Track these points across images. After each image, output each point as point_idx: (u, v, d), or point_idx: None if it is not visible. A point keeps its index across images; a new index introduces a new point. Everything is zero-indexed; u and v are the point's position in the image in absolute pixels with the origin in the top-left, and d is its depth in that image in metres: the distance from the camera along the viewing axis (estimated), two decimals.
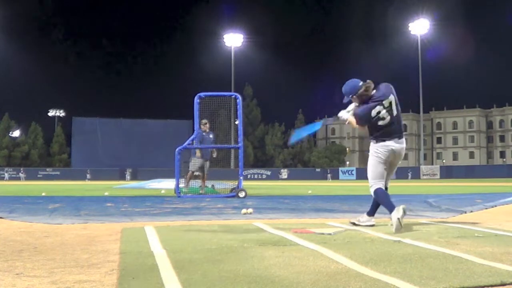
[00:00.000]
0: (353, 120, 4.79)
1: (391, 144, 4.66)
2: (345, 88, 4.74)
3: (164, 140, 56.53)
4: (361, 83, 4.69)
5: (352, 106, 4.89)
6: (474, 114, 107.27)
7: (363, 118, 4.68)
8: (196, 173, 12.23)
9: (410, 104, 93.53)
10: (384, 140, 4.67)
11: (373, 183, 4.72)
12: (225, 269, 2.74)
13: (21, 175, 55.18)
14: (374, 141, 4.74)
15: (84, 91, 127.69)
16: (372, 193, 4.75)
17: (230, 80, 64.26)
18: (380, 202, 4.66)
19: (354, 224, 4.88)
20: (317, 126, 5.55)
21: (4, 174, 55.85)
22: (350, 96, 4.71)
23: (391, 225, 4.30)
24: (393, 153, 4.69)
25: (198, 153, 11.97)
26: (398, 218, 4.24)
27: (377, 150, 4.72)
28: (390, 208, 4.42)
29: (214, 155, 12.27)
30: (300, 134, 6.17)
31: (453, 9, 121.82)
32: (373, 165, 4.75)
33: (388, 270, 2.71)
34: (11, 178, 53.73)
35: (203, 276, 2.57)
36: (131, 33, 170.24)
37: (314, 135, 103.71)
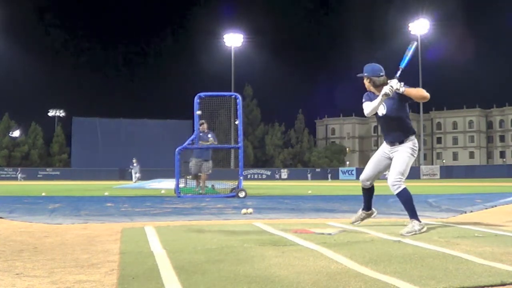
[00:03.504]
0: (415, 90, 4.42)
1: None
2: (367, 66, 4.64)
3: (164, 140, 56.47)
4: (382, 73, 4.59)
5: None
6: (474, 114, 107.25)
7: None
8: (199, 174, 12.25)
9: (410, 104, 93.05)
10: (415, 137, 4.60)
11: (401, 179, 4.41)
12: (225, 269, 2.74)
13: (19, 175, 54.93)
14: (413, 136, 4.55)
15: (84, 91, 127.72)
16: (397, 190, 4.41)
17: (230, 80, 64.23)
18: (406, 203, 4.42)
19: (359, 221, 4.94)
20: (409, 49, 4.90)
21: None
22: (366, 75, 4.58)
23: (408, 229, 4.23)
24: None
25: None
26: (420, 231, 4.22)
27: (415, 147, 4.53)
28: (415, 216, 4.33)
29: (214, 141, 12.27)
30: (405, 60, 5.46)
31: (453, 9, 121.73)
32: (408, 162, 4.47)
33: (388, 270, 2.71)
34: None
35: (203, 276, 2.57)
36: (131, 33, 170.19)
37: (314, 135, 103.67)
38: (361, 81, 4.69)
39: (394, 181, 4.42)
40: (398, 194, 4.43)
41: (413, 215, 4.36)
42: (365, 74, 4.61)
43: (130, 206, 8.01)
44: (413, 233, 4.20)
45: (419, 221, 4.34)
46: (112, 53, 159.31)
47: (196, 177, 12.22)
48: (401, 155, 4.49)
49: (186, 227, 4.93)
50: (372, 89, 4.60)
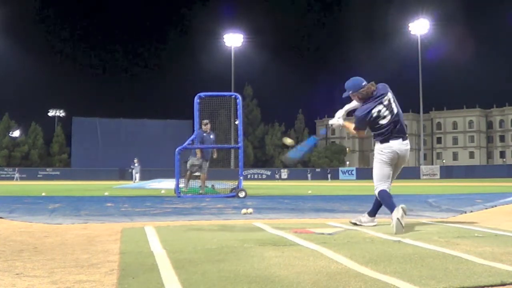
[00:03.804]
0: (350, 125, 4.85)
1: (395, 144, 4.62)
2: (347, 83, 4.78)
3: (164, 140, 56.53)
4: (364, 83, 4.70)
5: (340, 114, 4.99)
6: (474, 114, 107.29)
7: (362, 121, 4.68)
8: (197, 173, 12.20)
9: (410, 104, 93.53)
10: (388, 141, 4.63)
11: (377, 185, 4.68)
12: (225, 269, 2.74)
13: (16, 175, 54.78)
14: (379, 142, 4.67)
15: (84, 91, 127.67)
16: (376, 194, 4.71)
17: (230, 80, 64.29)
18: (383, 203, 4.63)
19: (355, 224, 4.88)
20: (311, 141, 5.60)
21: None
22: (350, 92, 4.75)
23: (392, 226, 4.26)
24: (397, 155, 4.64)
25: (198, 153, 11.91)
26: (398, 218, 4.19)
27: (381, 152, 4.66)
28: (391, 208, 4.39)
29: (215, 155, 12.21)
30: (297, 152, 5.71)
31: (453, 9, 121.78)
32: (378, 167, 4.70)
33: (388, 270, 2.71)
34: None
35: (203, 276, 2.57)
36: (131, 33, 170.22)
37: (314, 135, 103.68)
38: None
39: (375, 187, 4.74)
40: (378, 197, 4.72)
41: (390, 209, 4.40)
42: (350, 92, 4.77)
43: (130, 206, 8.01)
44: (399, 221, 4.17)
45: (393, 209, 4.38)
46: (112, 53, 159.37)
47: (194, 176, 12.21)
48: (374, 162, 4.80)
49: (186, 227, 4.93)
50: (359, 101, 4.80)
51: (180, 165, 11.39)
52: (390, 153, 4.63)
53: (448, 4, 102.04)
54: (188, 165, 12.05)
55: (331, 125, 5.00)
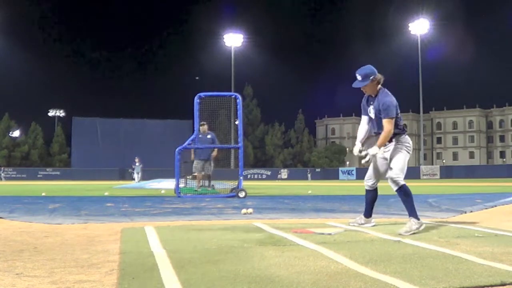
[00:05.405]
0: (383, 135, 4.44)
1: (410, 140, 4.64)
2: (362, 70, 4.54)
3: (164, 140, 56.49)
4: (377, 74, 4.58)
5: (358, 142, 4.70)
6: (474, 114, 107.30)
7: (396, 108, 4.49)
8: (202, 173, 12.29)
9: (410, 104, 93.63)
10: (406, 135, 4.63)
11: (401, 177, 4.46)
12: (225, 269, 2.74)
13: (2, 174, 54.60)
14: (403, 133, 4.60)
15: (84, 91, 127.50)
16: (396, 186, 4.46)
17: (230, 80, 64.23)
18: (406, 199, 4.46)
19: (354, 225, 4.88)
20: None
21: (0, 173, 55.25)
22: (372, 77, 4.49)
23: (402, 230, 4.25)
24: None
25: (192, 155, 12.08)
26: (414, 233, 4.20)
27: (408, 144, 4.57)
28: (413, 214, 4.36)
29: (214, 153, 12.26)
30: None
31: (453, 9, 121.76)
32: (403, 158, 4.51)
33: (388, 270, 2.71)
34: (7, 178, 53.02)
35: (203, 276, 2.57)
36: (131, 33, 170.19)
37: (314, 135, 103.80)
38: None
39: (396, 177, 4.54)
40: (401, 190, 4.51)
41: (411, 213, 4.38)
42: (371, 77, 4.52)
43: (130, 206, 8.01)
44: (411, 232, 4.21)
45: (414, 215, 4.38)
46: (112, 53, 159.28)
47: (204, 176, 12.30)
48: (397, 152, 4.58)
49: (186, 227, 4.94)
50: (370, 90, 4.62)
51: (180, 165, 11.39)
52: (410, 146, 4.61)
53: (448, 4, 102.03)
54: (193, 166, 12.20)
55: (373, 155, 4.50)
